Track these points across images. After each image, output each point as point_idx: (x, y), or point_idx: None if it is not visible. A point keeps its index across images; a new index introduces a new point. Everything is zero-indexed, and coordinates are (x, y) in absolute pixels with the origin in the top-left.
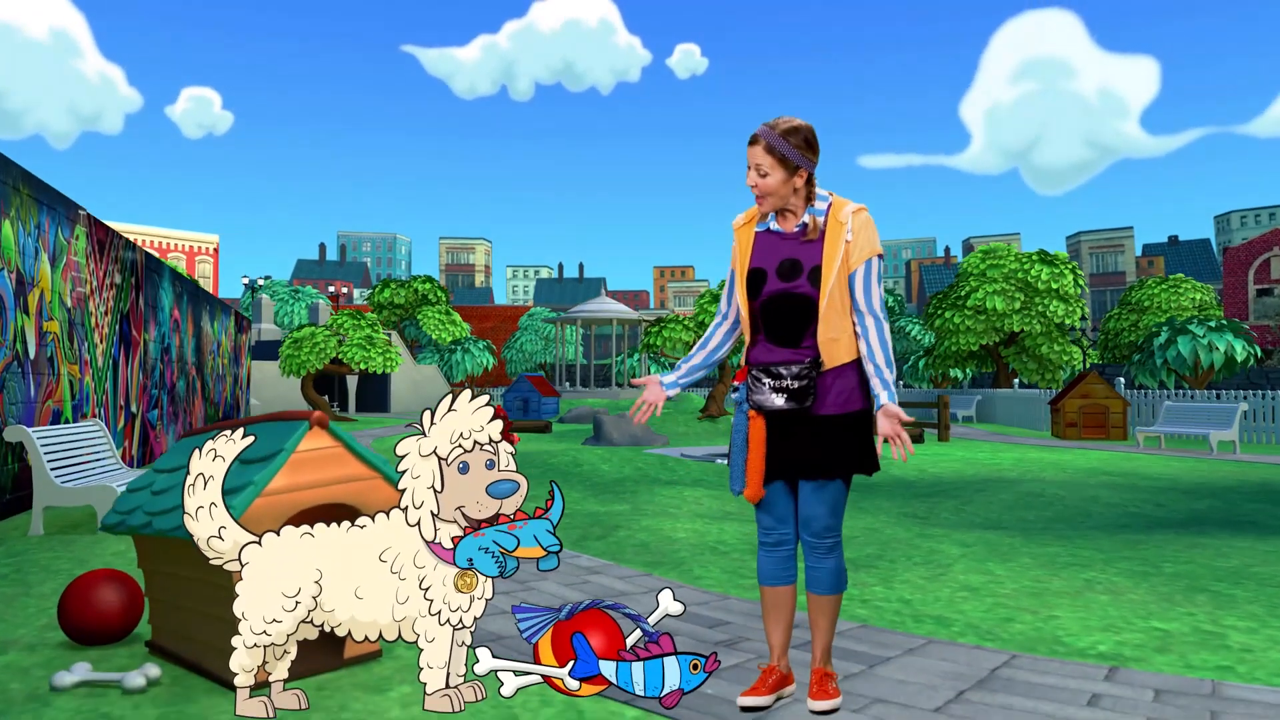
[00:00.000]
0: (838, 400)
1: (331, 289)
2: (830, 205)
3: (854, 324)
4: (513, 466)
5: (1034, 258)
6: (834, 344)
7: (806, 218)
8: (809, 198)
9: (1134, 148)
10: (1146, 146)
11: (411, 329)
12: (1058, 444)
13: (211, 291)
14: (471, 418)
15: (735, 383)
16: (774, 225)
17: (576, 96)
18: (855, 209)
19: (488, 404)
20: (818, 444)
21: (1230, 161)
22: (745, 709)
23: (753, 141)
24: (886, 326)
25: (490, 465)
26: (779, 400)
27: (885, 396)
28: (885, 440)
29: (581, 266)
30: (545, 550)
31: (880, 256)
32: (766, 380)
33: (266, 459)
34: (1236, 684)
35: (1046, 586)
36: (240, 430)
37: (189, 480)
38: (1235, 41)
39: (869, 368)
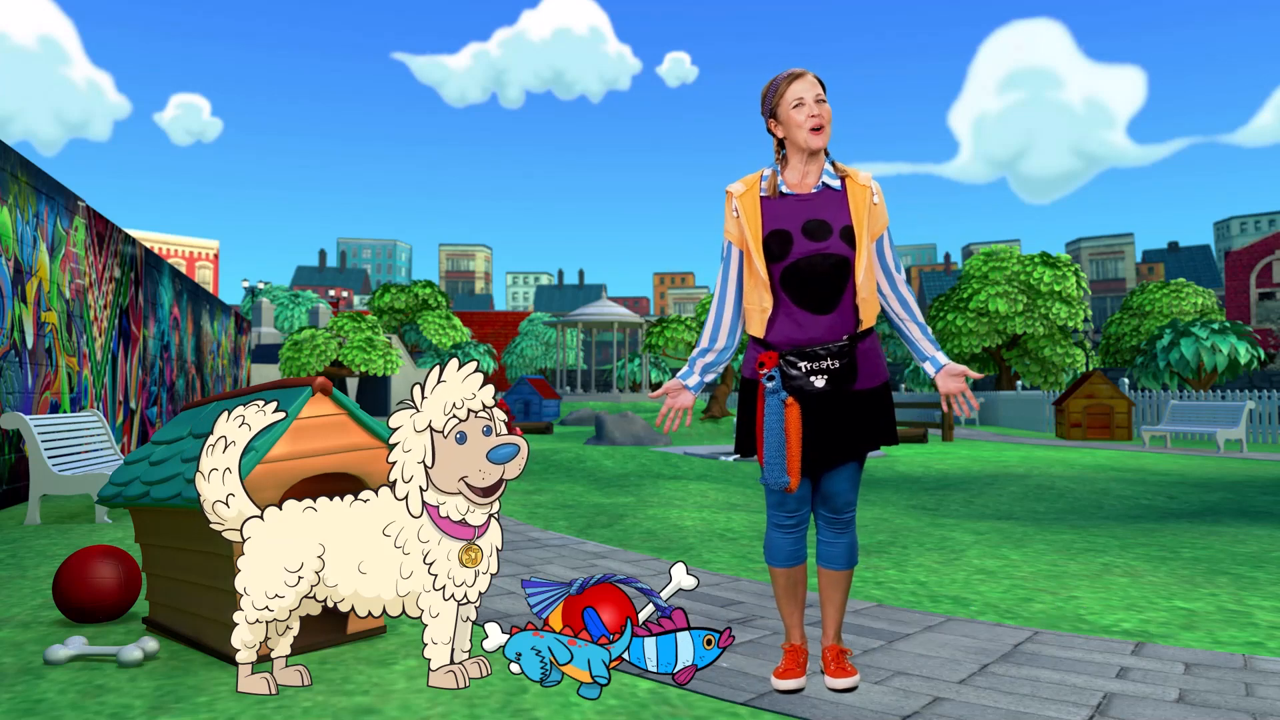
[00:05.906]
0: (870, 374)
1: (332, 294)
2: (841, 167)
3: (887, 290)
4: (506, 431)
5: (1036, 260)
6: (867, 304)
7: (831, 165)
8: (826, 152)
9: (1121, 157)
10: (1134, 156)
11: (412, 334)
12: (1063, 443)
13: None
14: (462, 386)
15: (766, 370)
16: (785, 189)
17: (567, 104)
18: (869, 175)
19: (476, 370)
20: (855, 422)
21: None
22: (784, 692)
23: (801, 75)
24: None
25: (487, 431)
26: (819, 382)
27: (942, 356)
28: (948, 397)
29: (582, 273)
30: (593, 679)
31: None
32: (803, 363)
33: (268, 425)
34: (1269, 658)
35: (1064, 569)
36: (274, 404)
37: (210, 440)
38: (1221, 53)
39: (914, 330)
